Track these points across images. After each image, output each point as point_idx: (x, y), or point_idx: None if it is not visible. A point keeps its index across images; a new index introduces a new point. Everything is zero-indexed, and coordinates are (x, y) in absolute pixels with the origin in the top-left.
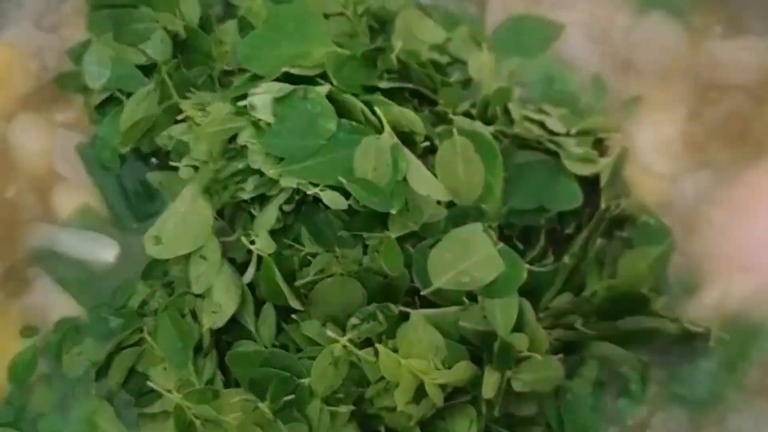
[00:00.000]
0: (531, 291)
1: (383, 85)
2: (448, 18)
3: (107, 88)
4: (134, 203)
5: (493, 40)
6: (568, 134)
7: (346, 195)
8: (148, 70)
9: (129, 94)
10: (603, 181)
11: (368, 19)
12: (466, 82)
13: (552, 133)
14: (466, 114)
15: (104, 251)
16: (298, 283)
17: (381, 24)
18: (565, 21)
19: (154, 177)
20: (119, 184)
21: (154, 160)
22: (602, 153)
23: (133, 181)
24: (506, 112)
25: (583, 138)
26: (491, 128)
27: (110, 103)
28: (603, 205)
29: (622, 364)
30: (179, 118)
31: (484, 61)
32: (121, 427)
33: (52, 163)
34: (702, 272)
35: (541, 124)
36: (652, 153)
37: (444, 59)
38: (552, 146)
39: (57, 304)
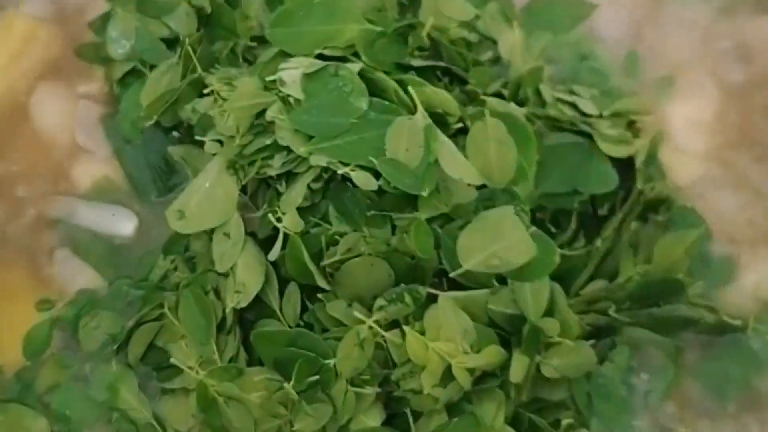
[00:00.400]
0: (562, 275)
1: (416, 63)
2: None
3: (130, 59)
4: (155, 176)
5: (523, 17)
6: (601, 116)
7: (377, 175)
8: (171, 43)
9: (152, 67)
10: (638, 162)
11: None
12: (496, 60)
13: (585, 114)
14: (497, 94)
15: (124, 224)
16: (325, 262)
17: (411, 0)
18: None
19: (175, 150)
20: (140, 156)
21: (175, 133)
22: (635, 134)
23: (154, 154)
24: (538, 93)
25: (617, 119)
26: (523, 110)
27: (132, 75)
28: (639, 187)
29: (655, 349)
30: (205, 92)
31: (515, 41)
32: (143, 397)
33: (73, 135)
34: (740, 256)
35: (574, 106)
36: (686, 133)
37: (473, 37)
38: (586, 128)
39: (78, 276)
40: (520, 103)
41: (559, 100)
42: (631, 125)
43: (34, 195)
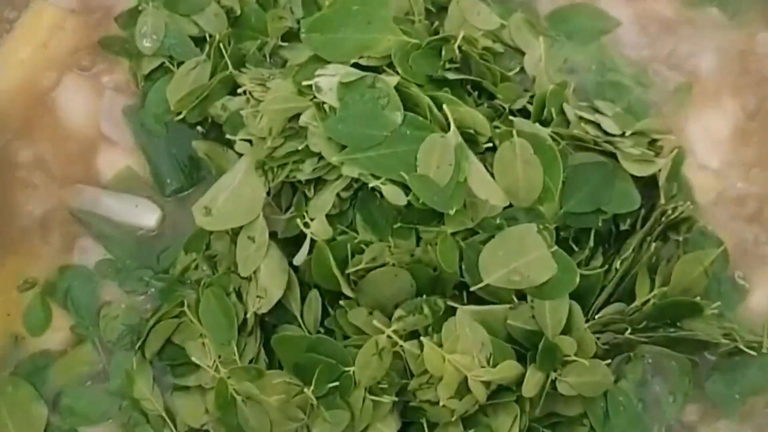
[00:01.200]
0: (580, 293)
1: (450, 75)
2: (503, 4)
3: (158, 55)
4: (178, 170)
5: (547, 25)
6: (623, 135)
7: (406, 190)
8: (198, 41)
9: (179, 63)
10: (661, 181)
11: (426, 0)
12: (521, 70)
13: (608, 134)
14: (524, 110)
15: (147, 216)
16: (350, 270)
17: (437, 8)
18: (616, 11)
19: (199, 146)
20: (164, 150)
21: (199, 128)
22: (657, 153)
23: (178, 148)
24: (562, 112)
25: (639, 138)
26: (548, 130)
27: (158, 70)
28: (661, 204)
29: (669, 362)
30: (238, 91)
31: (540, 56)
32: (156, 390)
33: (98, 125)
34: (754, 274)
35: (597, 125)
36: (706, 150)
37: (498, 47)
38: (609, 147)
39: None
40: (544, 122)
41: (582, 119)
42: (653, 143)
43: (58, 184)
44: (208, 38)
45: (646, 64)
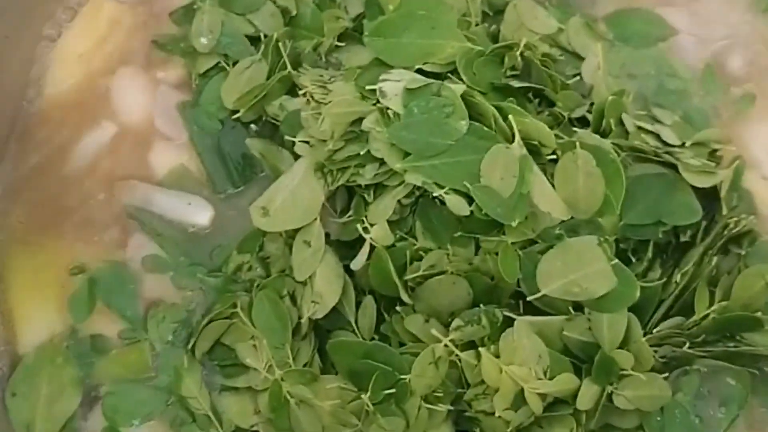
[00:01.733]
0: (639, 305)
1: (514, 83)
2: (560, 8)
3: (213, 53)
4: (231, 168)
5: (605, 29)
6: (683, 145)
7: (469, 199)
8: (253, 40)
9: (234, 62)
10: (723, 192)
11: (483, 2)
12: (579, 77)
13: (667, 144)
14: (582, 119)
15: (199, 214)
16: (408, 277)
17: (494, 11)
18: (674, 17)
19: (254, 144)
20: (217, 147)
21: (253, 127)
22: (717, 163)
23: (232, 146)
24: (621, 123)
25: (699, 149)
26: (608, 141)
27: (213, 68)
28: (723, 215)
29: (726, 376)
30: (300, 92)
31: (597, 63)
32: (204, 389)
33: (152, 120)
34: None
35: (657, 136)
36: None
37: (555, 52)
38: (669, 158)
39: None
40: (603, 133)
41: (642, 129)
42: (712, 154)
43: (112, 179)
44: (263, 38)
45: (707, 64)
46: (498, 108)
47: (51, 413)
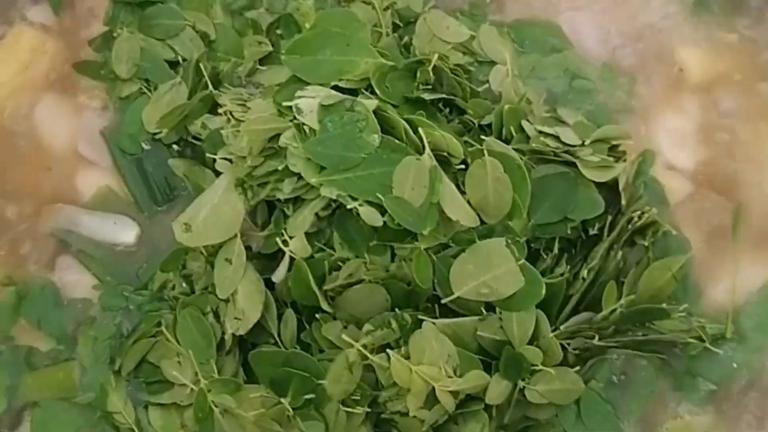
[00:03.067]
0: (546, 300)
1: (426, 96)
2: (471, 16)
3: (135, 78)
4: (154, 188)
5: (513, 37)
6: (583, 144)
7: (382, 210)
8: (173, 65)
9: (155, 87)
10: (621, 185)
11: (393, 14)
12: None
13: (567, 144)
14: (491, 126)
15: (125, 232)
16: (327, 286)
17: (405, 22)
18: (580, 20)
19: (176, 164)
20: (141, 168)
21: (175, 147)
22: (619, 158)
23: (154, 167)
24: (521, 129)
25: (598, 145)
26: (509, 147)
27: (134, 91)
28: (628, 209)
29: (638, 363)
30: (220, 111)
31: (505, 71)
32: (130, 405)
33: (75, 146)
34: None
35: (557, 138)
36: (671, 149)
37: (466, 60)
38: (569, 157)
39: (79, 283)
40: (506, 140)
41: (542, 133)
42: (613, 149)
43: (38, 204)
44: (181, 61)
45: (612, 69)
46: (409, 121)
47: None
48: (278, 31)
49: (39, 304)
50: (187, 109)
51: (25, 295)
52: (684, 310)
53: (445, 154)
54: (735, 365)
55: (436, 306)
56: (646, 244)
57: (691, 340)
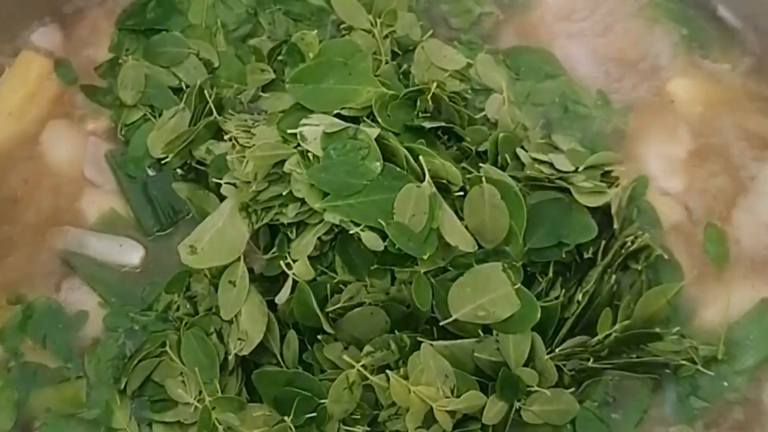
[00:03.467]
0: (541, 322)
1: (426, 124)
2: (468, 45)
3: (140, 105)
4: (158, 212)
5: (509, 64)
6: (576, 171)
7: (383, 235)
8: (176, 91)
9: (160, 113)
10: (613, 209)
11: (392, 42)
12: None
13: (561, 171)
14: (488, 152)
15: (130, 254)
16: (329, 308)
17: (403, 50)
18: (574, 48)
19: (181, 188)
20: (145, 192)
21: (179, 171)
22: (611, 183)
23: (158, 191)
24: (516, 156)
25: (592, 171)
26: (504, 173)
27: (139, 117)
28: (621, 233)
29: (631, 383)
30: (225, 137)
31: (502, 100)
32: (134, 422)
33: (81, 170)
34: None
35: (551, 164)
36: (664, 175)
37: (463, 87)
38: (563, 183)
39: (85, 304)
40: (502, 166)
41: (536, 160)
42: (606, 175)
43: (45, 226)
44: (185, 88)
45: (606, 95)
46: (409, 149)
47: None
48: (279, 58)
49: (44, 323)
50: (192, 135)
51: (31, 315)
52: (677, 333)
53: (445, 181)
54: (726, 385)
55: (435, 328)
56: (639, 268)
57: (683, 362)
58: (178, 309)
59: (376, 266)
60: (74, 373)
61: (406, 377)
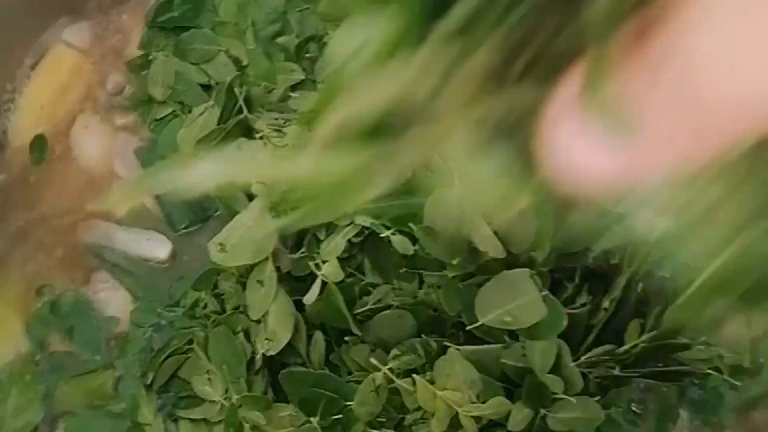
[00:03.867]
0: (568, 329)
1: None
2: None
3: (170, 101)
4: (186, 208)
5: None
6: None
7: (413, 239)
8: (206, 88)
9: (189, 109)
10: None
11: None
12: None
13: None
14: None
15: (158, 248)
16: (357, 310)
17: None
18: None
19: None
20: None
21: None
22: None
23: None
24: None
25: None
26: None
27: (168, 114)
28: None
29: (658, 391)
30: (257, 136)
31: None
32: (159, 418)
33: (111, 165)
34: None
35: None
36: None
37: None
38: None
39: (113, 298)
40: None
41: None
42: None
43: (74, 220)
44: (214, 85)
45: None
46: None
47: (16, 425)
48: (307, 55)
49: (72, 316)
50: (224, 133)
51: (59, 308)
52: (703, 342)
53: None
54: (752, 395)
55: (461, 333)
56: (665, 274)
57: (709, 371)
58: (205, 306)
59: (404, 269)
60: (101, 365)
61: (432, 382)
